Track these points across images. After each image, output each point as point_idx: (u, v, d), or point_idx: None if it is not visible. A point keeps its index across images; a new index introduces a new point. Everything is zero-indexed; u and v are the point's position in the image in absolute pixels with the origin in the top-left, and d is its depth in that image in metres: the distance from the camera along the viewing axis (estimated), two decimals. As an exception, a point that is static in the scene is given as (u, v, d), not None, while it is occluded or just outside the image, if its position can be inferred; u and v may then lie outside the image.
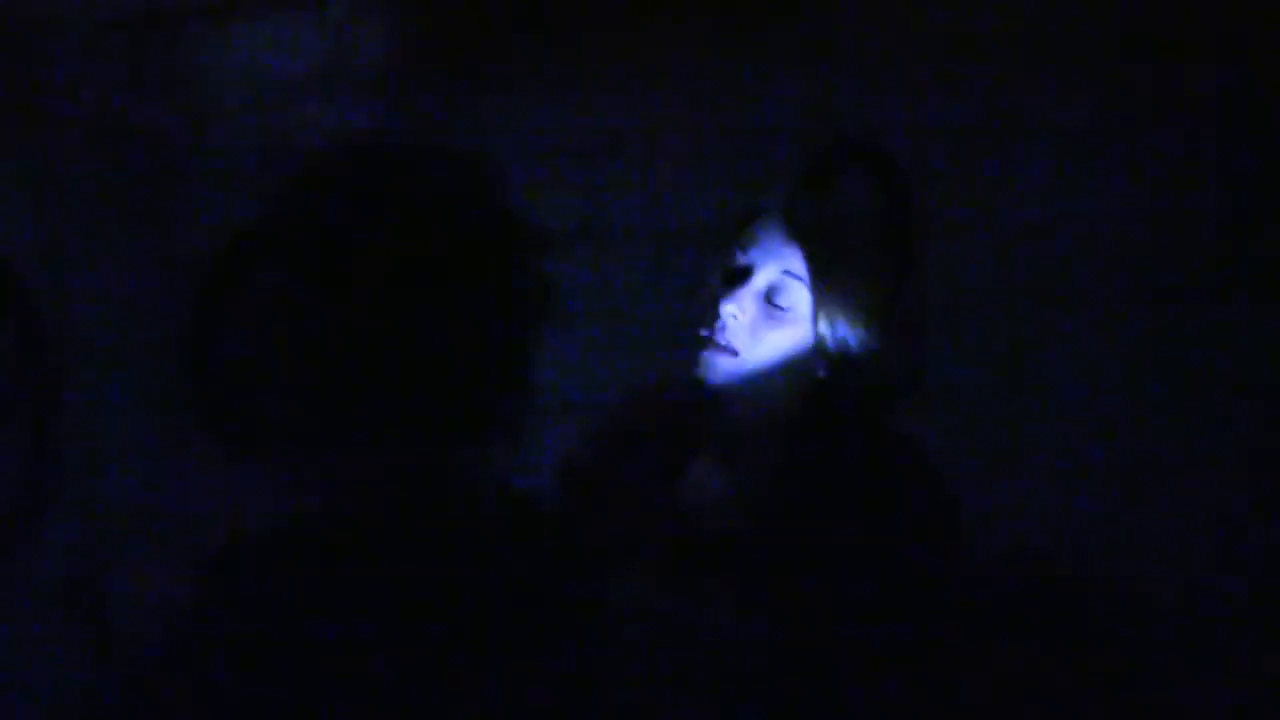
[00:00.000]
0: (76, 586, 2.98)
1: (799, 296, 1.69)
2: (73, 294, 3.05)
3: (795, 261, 1.70)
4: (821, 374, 1.71)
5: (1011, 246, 3.05)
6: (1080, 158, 3.03)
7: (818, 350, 1.69)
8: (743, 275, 1.71)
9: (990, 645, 2.16)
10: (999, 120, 3.03)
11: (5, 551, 2.88)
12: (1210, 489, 2.99)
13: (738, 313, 1.68)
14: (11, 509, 2.91)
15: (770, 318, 1.69)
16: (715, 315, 1.69)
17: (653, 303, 3.14)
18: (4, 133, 2.95)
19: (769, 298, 1.70)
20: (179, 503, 3.09)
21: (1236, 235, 3.00)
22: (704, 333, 1.70)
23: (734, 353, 1.68)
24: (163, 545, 3.08)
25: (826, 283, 1.68)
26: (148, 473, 3.09)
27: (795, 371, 1.70)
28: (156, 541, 3.08)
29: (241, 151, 3.05)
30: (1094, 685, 2.82)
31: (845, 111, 3.04)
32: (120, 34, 3.07)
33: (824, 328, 1.68)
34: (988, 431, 3.03)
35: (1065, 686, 2.77)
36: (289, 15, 3.11)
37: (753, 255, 1.72)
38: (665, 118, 3.11)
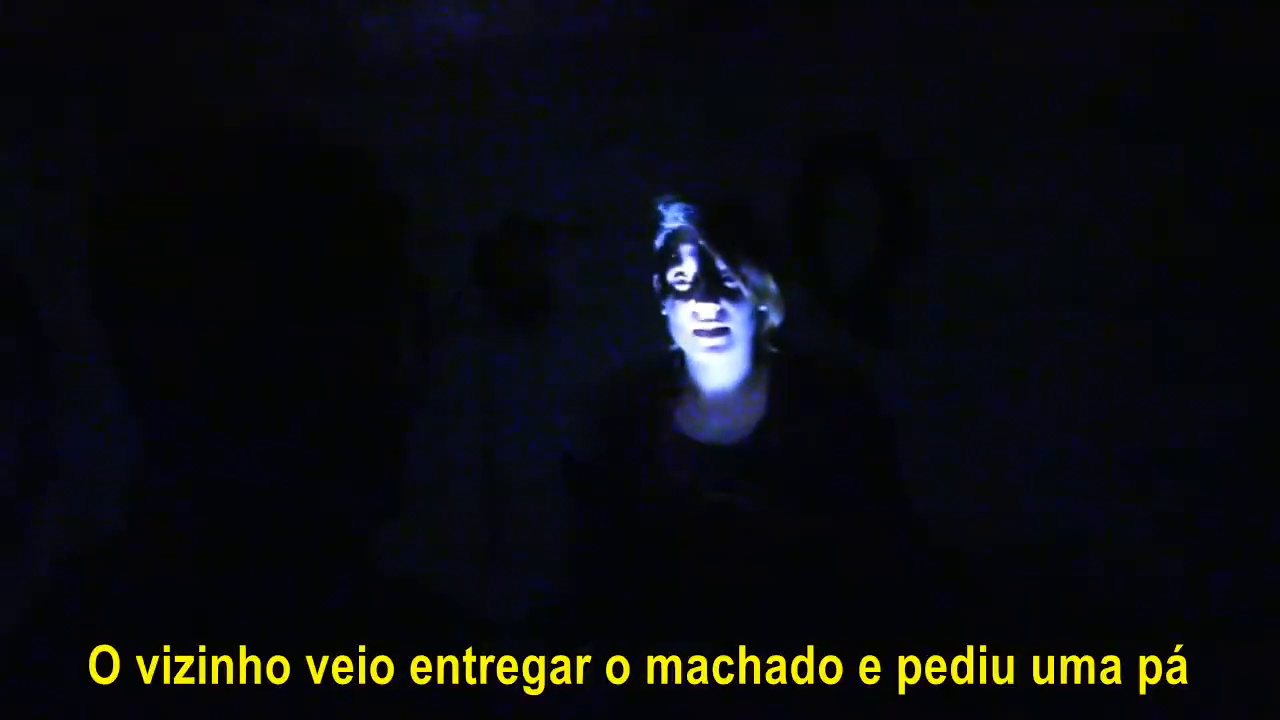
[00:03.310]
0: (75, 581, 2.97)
1: (742, 279, 2.09)
2: (73, 294, 3.05)
3: (723, 250, 2.08)
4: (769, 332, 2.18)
5: (1012, 246, 3.05)
6: (1080, 158, 3.04)
7: (761, 317, 2.16)
8: (701, 273, 2.11)
9: (989, 644, 2.17)
10: (999, 121, 3.04)
11: (4, 546, 2.88)
12: (1210, 489, 2.99)
13: (712, 307, 2.10)
14: (11, 505, 2.91)
15: (729, 300, 2.10)
16: (694, 311, 2.11)
17: (653, 295, 3.14)
18: (4, 133, 2.96)
19: (721, 286, 2.09)
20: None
21: (1236, 236, 3.01)
22: (695, 326, 2.12)
23: (723, 332, 2.11)
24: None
25: (750, 264, 2.09)
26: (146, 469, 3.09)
27: (756, 333, 2.17)
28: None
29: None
30: (1093, 684, 2.81)
31: (844, 109, 3.05)
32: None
33: (760, 300, 2.12)
34: (988, 431, 3.03)
35: (1064, 685, 2.77)
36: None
37: (693, 255, 2.11)
38: (666, 113, 3.12)
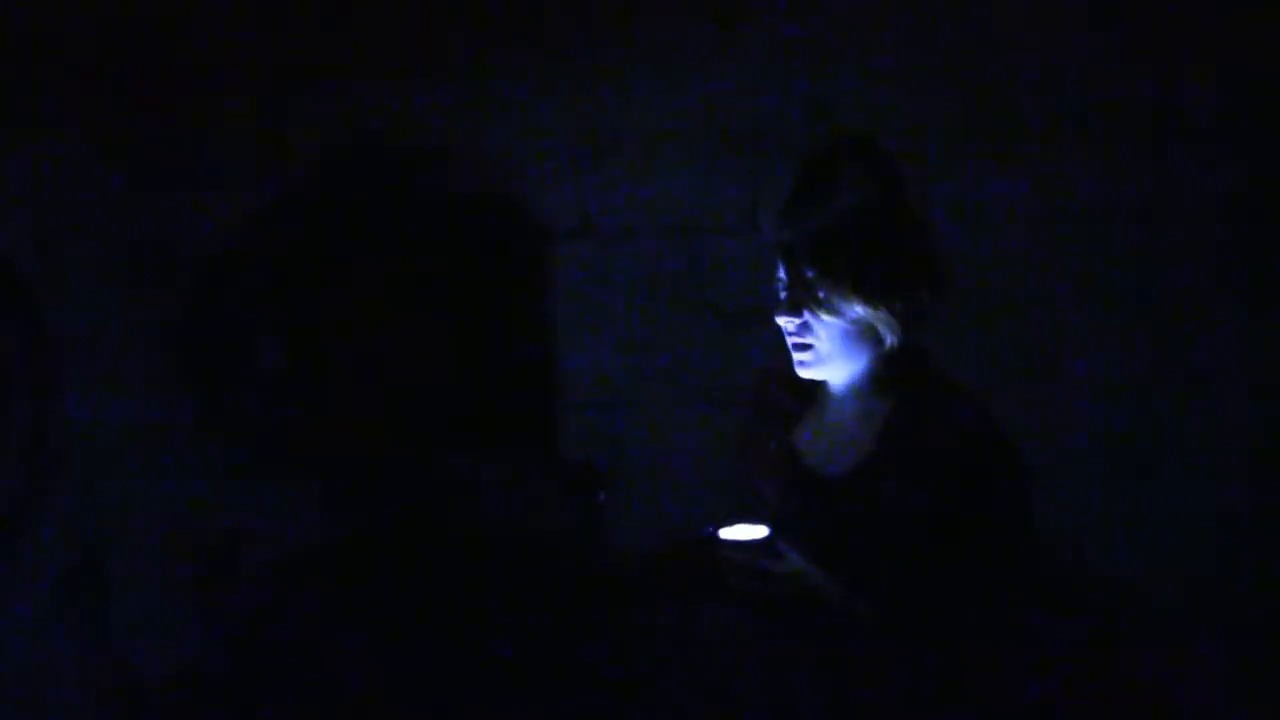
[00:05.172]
0: (75, 581, 2.99)
1: (812, 297, 1.96)
2: (73, 294, 3.05)
3: (792, 265, 1.98)
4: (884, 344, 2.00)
5: (1011, 246, 3.05)
6: (1081, 158, 3.04)
7: (873, 337, 1.99)
8: (783, 285, 2.01)
9: (991, 643, 2.18)
10: (1000, 121, 3.05)
11: (6, 546, 2.89)
12: (1210, 489, 3.00)
13: (791, 321, 1.99)
14: (12, 505, 2.92)
15: (817, 315, 1.96)
16: (782, 324, 2.01)
17: (653, 299, 3.14)
18: (4, 133, 2.96)
19: (805, 298, 1.97)
20: (177, 499, 3.09)
21: (1236, 236, 3.01)
22: (788, 340, 2.02)
23: (808, 347, 1.99)
24: (161, 540, 3.09)
25: (838, 277, 1.94)
26: (147, 469, 3.10)
27: (863, 344, 2.00)
28: (155, 537, 3.09)
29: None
30: (1094, 684, 2.82)
31: (845, 110, 3.05)
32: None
33: (854, 321, 1.96)
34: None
35: (1064, 685, 2.77)
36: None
37: (781, 265, 2.00)
38: (665, 116, 3.12)
